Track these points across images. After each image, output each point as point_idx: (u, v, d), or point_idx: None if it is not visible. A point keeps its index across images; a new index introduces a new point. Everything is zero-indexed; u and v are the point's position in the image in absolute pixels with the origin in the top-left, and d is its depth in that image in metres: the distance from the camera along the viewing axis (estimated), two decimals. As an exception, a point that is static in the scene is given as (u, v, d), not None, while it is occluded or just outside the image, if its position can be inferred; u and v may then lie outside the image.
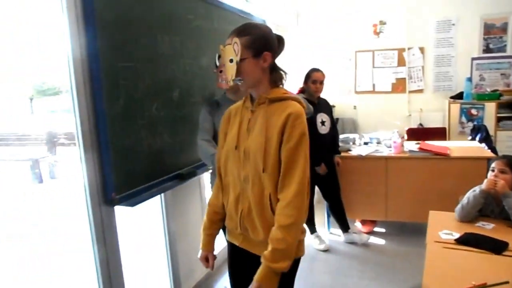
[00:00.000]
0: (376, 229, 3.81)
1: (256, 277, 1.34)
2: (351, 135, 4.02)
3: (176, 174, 2.46)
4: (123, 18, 2.04)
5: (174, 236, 2.63)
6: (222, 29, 3.03)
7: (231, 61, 1.40)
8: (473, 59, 4.80)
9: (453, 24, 4.84)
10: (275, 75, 1.49)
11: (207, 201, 3.03)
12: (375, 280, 2.87)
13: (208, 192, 3.00)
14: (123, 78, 2.05)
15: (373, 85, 5.31)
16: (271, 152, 1.39)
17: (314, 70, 3.28)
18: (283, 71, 1.52)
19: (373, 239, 3.59)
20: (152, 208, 2.57)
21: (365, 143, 3.94)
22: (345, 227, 3.52)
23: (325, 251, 3.38)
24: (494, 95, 4.48)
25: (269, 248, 1.34)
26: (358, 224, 3.83)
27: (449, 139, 4.52)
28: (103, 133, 1.94)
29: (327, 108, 3.37)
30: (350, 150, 3.69)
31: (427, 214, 2.39)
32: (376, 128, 4.95)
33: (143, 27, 2.19)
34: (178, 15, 2.52)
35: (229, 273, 1.73)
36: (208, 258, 1.67)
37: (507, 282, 1.56)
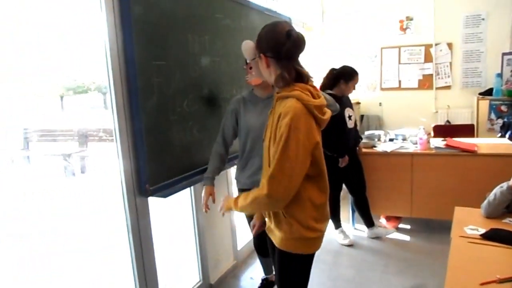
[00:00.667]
0: (401, 225, 3.81)
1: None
2: (376, 132, 4.03)
3: (204, 168, 2.56)
4: (157, 18, 2.15)
5: (202, 228, 2.73)
6: (249, 27, 3.10)
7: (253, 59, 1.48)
8: (503, 54, 4.69)
9: (483, 19, 4.74)
10: (283, 74, 1.52)
11: (235, 195, 3.14)
12: (398, 275, 2.90)
13: (234, 188, 3.08)
14: (156, 76, 2.16)
15: (399, 82, 5.28)
16: (270, 146, 1.48)
17: (357, 73, 3.29)
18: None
19: (398, 235, 3.60)
20: (183, 201, 2.68)
21: (391, 140, 3.94)
22: (369, 222, 3.55)
23: (349, 246, 3.42)
24: (525, 91, 4.37)
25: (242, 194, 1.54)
26: (382, 221, 3.84)
27: (477, 137, 4.45)
28: (138, 129, 2.05)
29: (350, 102, 3.41)
30: (375, 147, 3.70)
31: (452, 211, 2.40)
32: (401, 125, 4.91)
33: (175, 27, 2.30)
34: (207, 15, 2.61)
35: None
36: (259, 225, 1.85)
37: (532, 276, 1.57)
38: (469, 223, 2.16)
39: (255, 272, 3.07)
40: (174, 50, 2.29)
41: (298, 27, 4.36)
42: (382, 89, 5.36)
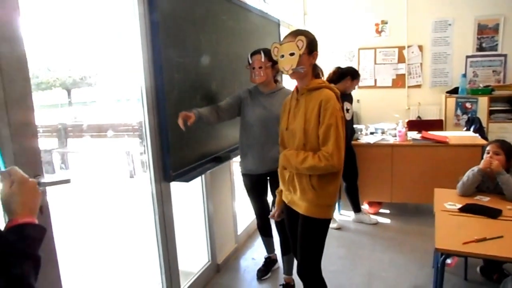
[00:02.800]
0: (382, 210, 4.21)
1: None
2: (358, 126, 4.41)
3: (214, 157, 2.81)
4: (177, 20, 2.38)
5: (211, 214, 2.99)
6: (246, 28, 3.39)
7: (291, 54, 1.81)
8: (467, 57, 5.22)
9: (449, 24, 5.25)
10: (316, 70, 1.94)
11: (235, 185, 3.41)
12: (385, 252, 3.27)
13: (237, 178, 3.33)
14: (176, 72, 2.40)
15: (375, 80, 5.71)
16: (309, 131, 1.84)
17: (359, 74, 3.76)
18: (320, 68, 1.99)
19: (379, 219, 4.00)
20: (194, 188, 2.92)
21: (371, 133, 4.33)
22: (357, 208, 3.92)
23: (337, 229, 3.78)
24: (486, 90, 4.90)
25: (295, 152, 1.88)
26: (365, 206, 4.22)
27: (445, 130, 4.93)
28: (163, 121, 2.28)
29: (350, 98, 3.76)
30: (358, 139, 4.07)
31: (428, 196, 2.79)
32: (377, 121, 5.31)
33: (191, 27, 2.54)
34: (215, 16, 2.86)
35: (286, 223, 2.20)
36: (279, 213, 2.23)
37: (501, 237, 1.96)
38: (448, 200, 2.55)
39: (255, 254, 3.36)
40: (190, 49, 2.54)
41: (284, 28, 4.67)
42: (359, 87, 5.75)
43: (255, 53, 2.59)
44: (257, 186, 2.78)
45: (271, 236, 3.00)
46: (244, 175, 2.79)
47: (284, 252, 2.77)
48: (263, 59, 2.53)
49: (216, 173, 3.05)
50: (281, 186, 2.14)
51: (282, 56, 1.86)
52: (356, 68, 3.75)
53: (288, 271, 2.79)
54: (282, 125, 2.04)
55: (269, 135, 2.56)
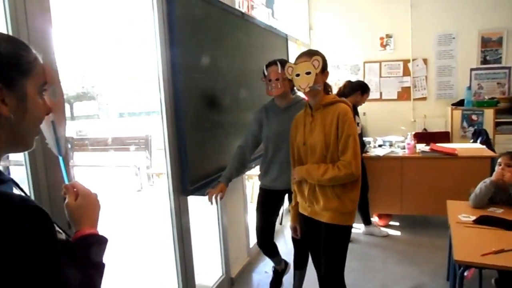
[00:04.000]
0: (391, 222, 4.22)
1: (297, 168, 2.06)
2: (366, 139, 4.45)
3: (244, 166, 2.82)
4: (194, 38, 2.45)
5: (226, 227, 3.01)
6: (257, 43, 3.47)
7: (308, 73, 1.89)
8: (472, 69, 5.29)
9: (453, 38, 5.33)
10: (327, 87, 2.05)
11: (248, 199, 3.43)
12: (397, 264, 3.28)
13: (249, 191, 3.37)
14: (194, 87, 2.45)
15: (380, 93, 5.78)
16: (330, 144, 1.93)
17: (369, 89, 3.83)
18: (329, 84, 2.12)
19: (389, 231, 4.01)
20: (207, 203, 2.94)
21: (379, 146, 4.37)
22: (367, 220, 3.94)
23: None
24: (492, 102, 4.95)
25: (315, 166, 1.95)
26: (374, 219, 4.24)
27: (452, 142, 4.97)
28: (182, 136, 2.33)
29: (357, 112, 3.81)
30: (367, 152, 4.11)
31: (438, 207, 2.83)
32: (383, 133, 5.35)
33: (207, 44, 2.61)
34: (229, 33, 2.93)
35: (304, 235, 2.25)
36: (296, 228, 2.24)
37: (519, 248, 1.98)
38: (461, 212, 2.57)
39: (268, 267, 3.36)
40: (206, 65, 2.60)
41: (291, 43, 4.76)
42: (365, 100, 5.83)
43: (271, 64, 2.47)
44: (271, 202, 2.68)
45: (273, 256, 2.82)
46: (261, 189, 2.71)
47: (296, 267, 2.72)
48: (279, 70, 2.39)
49: (230, 187, 3.07)
50: (298, 199, 2.19)
51: (298, 75, 1.94)
52: (366, 83, 3.82)
53: (299, 286, 2.75)
54: (298, 140, 2.08)
55: (287, 152, 2.40)
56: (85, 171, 7.46)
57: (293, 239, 2.64)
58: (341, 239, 2.02)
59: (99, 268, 0.87)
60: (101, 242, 0.91)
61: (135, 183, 6.66)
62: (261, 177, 2.69)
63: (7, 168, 7.02)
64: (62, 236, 0.85)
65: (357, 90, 3.68)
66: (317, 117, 1.99)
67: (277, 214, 2.79)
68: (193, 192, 2.44)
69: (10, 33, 1.38)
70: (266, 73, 2.49)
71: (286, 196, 2.68)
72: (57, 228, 0.83)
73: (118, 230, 4.60)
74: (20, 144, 0.82)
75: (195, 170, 2.45)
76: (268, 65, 2.49)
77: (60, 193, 0.96)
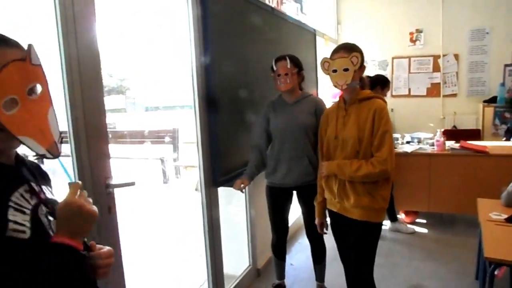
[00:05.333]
0: (418, 220, 4.18)
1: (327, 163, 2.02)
2: (394, 135, 4.40)
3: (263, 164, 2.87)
4: (226, 32, 2.50)
5: (253, 220, 3.07)
6: (286, 38, 3.49)
7: (345, 70, 1.87)
8: (506, 65, 5.13)
9: (487, 33, 5.18)
10: (363, 82, 2.01)
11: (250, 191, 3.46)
12: (424, 262, 3.26)
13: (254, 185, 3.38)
14: (225, 81, 2.51)
15: (409, 89, 5.69)
16: (364, 139, 1.91)
17: (389, 81, 3.82)
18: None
19: (416, 228, 3.97)
20: (237, 194, 3.00)
21: (407, 142, 4.32)
22: (393, 217, 3.92)
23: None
24: (526, 99, 4.80)
25: (347, 161, 1.92)
26: (401, 215, 4.20)
27: (483, 140, 4.85)
28: (213, 129, 2.39)
29: None
30: (395, 148, 4.07)
31: (467, 206, 2.78)
32: (411, 130, 5.27)
33: (238, 39, 2.66)
34: (259, 27, 2.97)
35: (333, 235, 2.25)
36: (323, 223, 2.25)
37: (554, 248, 1.94)
38: (492, 210, 2.53)
39: (293, 260, 3.41)
40: (237, 59, 2.65)
41: (320, 38, 4.75)
42: (392, 96, 5.76)
43: (280, 59, 2.44)
44: (281, 199, 2.64)
45: (284, 259, 2.85)
46: (269, 187, 2.66)
47: (316, 261, 2.74)
48: (289, 66, 2.39)
49: (258, 179, 3.12)
50: (325, 195, 2.16)
51: (335, 70, 1.92)
52: (386, 76, 3.79)
53: (320, 278, 2.78)
54: (329, 133, 2.07)
55: (296, 148, 2.45)
56: (113, 162, 7.69)
57: (309, 236, 2.66)
58: (372, 236, 2.02)
59: (54, 279, 0.78)
60: (66, 257, 0.81)
61: (162, 175, 6.81)
62: (269, 174, 2.61)
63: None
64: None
65: (376, 85, 3.64)
66: (351, 111, 1.97)
67: (289, 211, 2.73)
68: (223, 184, 2.51)
69: (59, 23, 1.46)
70: (275, 68, 2.46)
71: (295, 192, 2.62)
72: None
73: (147, 221, 4.75)
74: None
75: (225, 162, 2.52)
76: (277, 59, 2.46)
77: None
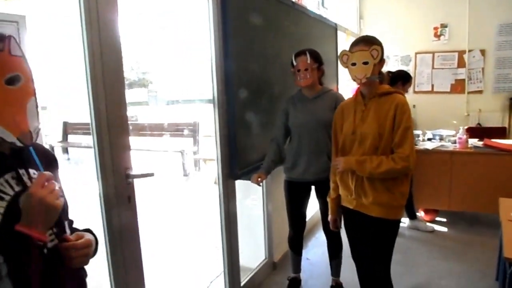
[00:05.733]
0: (438, 218, 4.12)
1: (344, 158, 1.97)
2: (415, 132, 4.33)
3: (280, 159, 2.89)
4: (246, 27, 2.52)
5: (270, 213, 3.09)
6: (306, 32, 3.47)
7: (365, 63, 1.85)
8: (535, 61, 4.95)
9: (516, 28, 5.01)
10: (382, 76, 1.97)
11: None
12: (443, 260, 3.21)
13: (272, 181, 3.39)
14: (244, 76, 2.53)
15: (432, 86, 5.57)
16: (384, 134, 1.88)
17: (412, 76, 3.76)
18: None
19: (436, 227, 3.91)
20: (254, 188, 3.03)
21: (429, 139, 4.24)
22: (412, 214, 3.87)
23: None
24: (556, 97, 4.62)
25: (367, 157, 1.89)
26: (420, 213, 4.14)
27: (509, 138, 4.71)
28: (232, 123, 2.42)
29: None
30: (416, 145, 4.01)
31: (489, 205, 2.73)
32: (434, 127, 5.16)
33: (258, 34, 2.66)
34: (279, 22, 2.97)
35: (346, 233, 2.22)
36: (336, 220, 2.24)
37: None
38: (515, 210, 2.47)
39: (309, 254, 3.43)
40: (256, 54, 2.66)
41: (341, 32, 4.70)
42: (415, 92, 5.65)
43: (299, 54, 2.42)
44: (299, 194, 2.65)
45: (301, 254, 2.87)
46: (287, 182, 2.67)
47: (332, 256, 2.74)
48: (309, 61, 2.37)
49: (276, 174, 3.14)
50: (340, 192, 2.13)
51: (354, 64, 1.88)
52: (408, 72, 3.74)
53: (336, 273, 2.78)
54: (346, 129, 2.02)
55: (316, 143, 2.45)
56: (134, 154, 7.84)
57: (325, 231, 2.64)
58: (390, 233, 2.00)
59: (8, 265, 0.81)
60: (23, 243, 0.83)
61: (182, 168, 6.91)
62: (288, 170, 2.61)
63: (66, 149, 7.42)
64: None
65: (398, 81, 3.59)
66: (371, 106, 1.92)
67: (307, 206, 2.74)
68: (241, 177, 2.53)
69: (83, 18, 1.51)
70: (294, 63, 2.44)
71: (313, 187, 2.63)
72: None
73: (166, 213, 4.84)
74: None
75: (243, 155, 2.54)
76: (297, 54, 2.44)
77: None
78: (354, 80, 1.91)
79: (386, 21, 5.64)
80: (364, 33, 5.66)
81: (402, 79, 3.61)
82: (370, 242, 2.02)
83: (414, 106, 5.58)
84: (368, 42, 1.88)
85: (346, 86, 4.66)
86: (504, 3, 5.01)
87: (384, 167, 1.83)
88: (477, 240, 3.55)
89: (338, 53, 2.00)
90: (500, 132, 4.71)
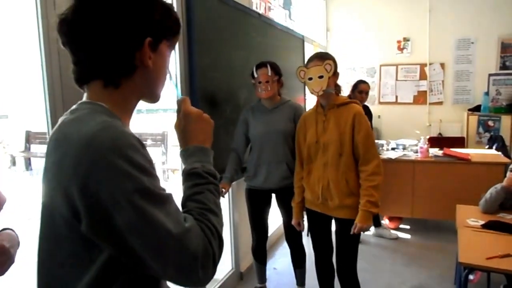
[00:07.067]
0: (402, 226, 4.23)
1: (357, 220, 1.98)
2: (379, 141, 4.46)
3: (241, 168, 2.91)
4: (211, 38, 2.53)
5: (236, 224, 3.08)
6: (273, 44, 3.52)
7: (320, 77, 1.95)
8: (490, 75, 5.24)
9: (472, 43, 5.29)
10: (337, 88, 2.11)
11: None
12: (406, 266, 3.30)
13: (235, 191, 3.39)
14: (210, 85, 2.54)
15: (396, 97, 5.77)
16: (345, 142, 1.99)
17: (361, 82, 3.87)
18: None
19: (400, 234, 4.02)
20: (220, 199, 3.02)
21: (393, 149, 4.38)
22: (377, 222, 3.97)
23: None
24: (509, 109, 4.89)
25: (364, 200, 1.97)
26: (385, 221, 4.25)
27: (467, 148, 4.92)
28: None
29: (369, 114, 3.86)
30: (380, 154, 4.13)
31: (449, 212, 2.84)
32: (398, 137, 5.33)
33: (223, 44, 2.69)
34: (246, 33, 3.01)
35: (310, 233, 2.36)
36: (300, 223, 2.33)
37: (526, 253, 1.99)
38: (470, 216, 2.58)
39: (276, 264, 3.43)
40: (222, 64, 2.68)
41: (308, 44, 4.80)
42: (380, 102, 5.84)
43: (260, 66, 2.47)
44: (261, 202, 2.67)
45: (265, 263, 2.89)
46: (248, 190, 2.70)
47: (296, 266, 2.77)
48: (269, 73, 2.41)
49: (242, 183, 3.15)
50: (306, 196, 2.24)
51: (310, 78, 2.01)
52: (360, 79, 4.02)
53: (301, 282, 2.81)
54: (309, 138, 2.13)
55: (275, 153, 2.48)
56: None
57: (288, 240, 2.68)
58: (356, 234, 2.10)
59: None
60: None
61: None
62: (249, 178, 2.64)
63: (29, 160, 7.19)
64: None
65: (353, 91, 3.84)
66: (330, 116, 2.05)
67: (268, 215, 2.75)
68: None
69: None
70: (255, 75, 2.48)
71: (274, 196, 2.66)
72: None
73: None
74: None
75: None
76: (258, 66, 2.48)
77: None
78: (312, 93, 2.04)
79: (352, 33, 5.82)
80: (331, 45, 5.84)
81: (352, 88, 3.89)
82: (337, 243, 2.15)
83: (379, 116, 5.76)
84: (321, 58, 2.01)
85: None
86: (462, 19, 5.28)
87: (376, 191, 2.00)
88: (437, 246, 3.67)
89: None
90: (459, 142, 4.93)
